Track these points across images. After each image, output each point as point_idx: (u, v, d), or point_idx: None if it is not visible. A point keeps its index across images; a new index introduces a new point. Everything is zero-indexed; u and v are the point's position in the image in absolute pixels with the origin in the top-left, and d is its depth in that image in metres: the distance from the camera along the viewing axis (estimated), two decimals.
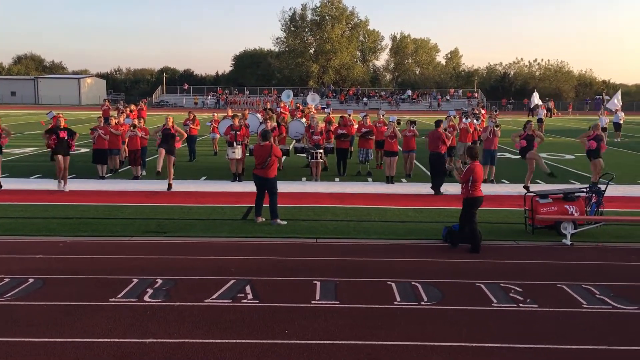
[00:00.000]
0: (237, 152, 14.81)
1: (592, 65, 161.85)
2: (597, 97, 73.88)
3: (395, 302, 6.66)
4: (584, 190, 10.60)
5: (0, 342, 5.49)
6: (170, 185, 13.86)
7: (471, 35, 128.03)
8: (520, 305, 6.65)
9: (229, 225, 10.44)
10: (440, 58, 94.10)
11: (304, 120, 18.69)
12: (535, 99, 40.54)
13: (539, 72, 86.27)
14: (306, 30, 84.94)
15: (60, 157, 13.39)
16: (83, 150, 21.16)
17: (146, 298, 6.66)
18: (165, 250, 8.78)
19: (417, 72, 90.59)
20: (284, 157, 16.94)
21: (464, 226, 8.99)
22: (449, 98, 74.56)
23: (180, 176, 15.11)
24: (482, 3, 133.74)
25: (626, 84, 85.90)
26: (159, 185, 14.04)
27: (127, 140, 15.97)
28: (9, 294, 6.74)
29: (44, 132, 13.93)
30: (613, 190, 12.77)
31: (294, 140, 18.35)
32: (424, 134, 18.50)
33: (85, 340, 5.55)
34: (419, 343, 5.59)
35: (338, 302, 6.64)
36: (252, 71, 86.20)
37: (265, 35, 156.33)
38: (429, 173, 16.62)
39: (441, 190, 13.70)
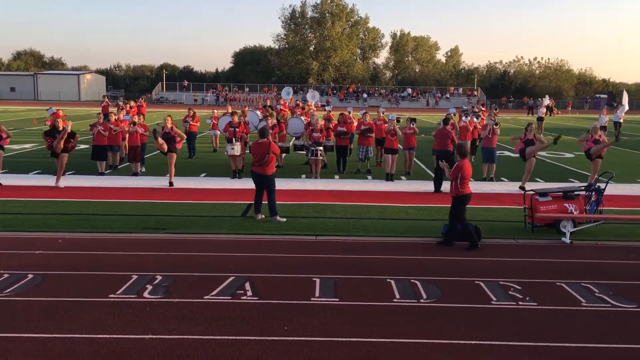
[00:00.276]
0: (236, 149, 14.81)
1: (592, 64, 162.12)
2: (597, 96, 73.97)
3: (395, 300, 6.67)
4: (583, 188, 10.60)
5: None
6: (171, 183, 13.88)
7: (471, 33, 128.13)
8: (520, 303, 6.65)
9: (229, 222, 10.44)
10: (441, 56, 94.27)
11: (303, 117, 18.68)
12: (546, 101, 40.01)
13: (539, 70, 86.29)
14: (306, 27, 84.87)
15: (59, 153, 13.37)
16: (82, 146, 21.13)
17: (146, 294, 6.66)
18: (164, 246, 8.78)
19: (417, 70, 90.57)
20: (283, 155, 16.93)
21: (454, 224, 9.04)
22: (448, 96, 74.54)
23: (179, 173, 15.10)
24: (482, 1, 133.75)
25: (626, 82, 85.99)
26: (159, 182, 14.04)
27: (127, 136, 15.96)
28: (8, 290, 6.74)
29: (43, 134, 13.88)
30: (612, 188, 12.79)
31: (294, 138, 18.34)
32: (423, 132, 18.50)
33: (84, 336, 5.55)
34: (418, 340, 5.60)
35: (337, 300, 6.64)
36: (252, 68, 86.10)
37: (265, 32, 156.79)
38: (428, 171, 16.65)
39: (441, 189, 13.69)
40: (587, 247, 9.25)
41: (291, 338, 5.59)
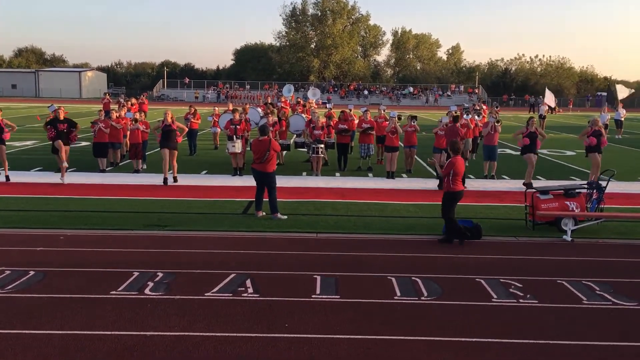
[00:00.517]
0: (237, 146, 14.81)
1: (593, 61, 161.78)
2: (599, 94, 73.84)
3: (396, 297, 6.67)
4: (585, 186, 10.60)
5: (1, 334, 5.50)
6: (175, 178, 13.90)
7: (473, 30, 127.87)
8: (520, 300, 6.65)
9: (230, 219, 10.44)
10: (442, 53, 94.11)
11: (304, 115, 18.66)
12: (550, 100, 39.68)
13: (540, 68, 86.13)
14: (307, 24, 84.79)
15: (60, 144, 13.40)
16: (84, 143, 21.15)
17: (147, 291, 6.67)
18: (165, 243, 8.79)
19: (418, 68, 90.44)
20: (284, 152, 16.93)
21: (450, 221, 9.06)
22: (450, 94, 74.46)
23: (181, 170, 15.10)
24: None
25: (627, 80, 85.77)
26: (160, 179, 14.03)
27: (128, 134, 15.97)
28: (10, 287, 6.75)
29: (45, 124, 13.95)
30: (614, 186, 12.76)
31: (295, 135, 18.34)
32: (424, 129, 18.48)
33: (85, 332, 5.56)
34: (419, 338, 5.60)
35: (338, 297, 6.65)
36: (253, 65, 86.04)
37: (266, 29, 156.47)
38: (429, 169, 16.64)
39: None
40: (588, 245, 9.24)
41: (292, 335, 5.60)
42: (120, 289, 6.73)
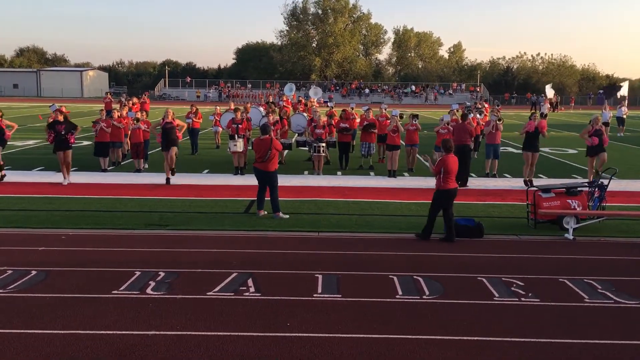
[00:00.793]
0: (239, 145, 14.81)
1: (595, 59, 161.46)
2: (600, 92, 73.69)
3: (397, 296, 6.67)
4: (586, 184, 10.58)
5: (2, 334, 5.50)
6: (173, 170, 13.86)
7: (474, 29, 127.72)
8: (522, 299, 6.64)
9: (231, 218, 10.45)
10: (443, 52, 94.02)
11: (306, 114, 18.66)
12: (550, 94, 39.59)
13: (542, 66, 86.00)
14: (309, 23, 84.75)
15: (60, 153, 13.42)
16: (85, 143, 21.17)
17: (148, 291, 6.68)
18: (167, 243, 8.79)
19: (419, 66, 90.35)
20: (286, 151, 16.93)
21: (450, 220, 9.04)
22: (451, 92, 74.39)
23: (182, 169, 15.12)
24: None
25: (629, 78, 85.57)
26: (162, 179, 14.04)
27: (129, 133, 15.98)
28: (12, 286, 6.76)
29: (46, 127, 13.94)
30: (616, 185, 12.74)
31: (296, 134, 18.33)
32: (425, 128, 18.46)
33: (87, 332, 5.56)
34: (421, 337, 5.60)
35: (340, 296, 6.65)
36: (254, 64, 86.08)
37: (267, 28, 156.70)
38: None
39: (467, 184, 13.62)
40: (590, 243, 9.23)
41: (293, 334, 5.59)
42: (121, 288, 6.73)
